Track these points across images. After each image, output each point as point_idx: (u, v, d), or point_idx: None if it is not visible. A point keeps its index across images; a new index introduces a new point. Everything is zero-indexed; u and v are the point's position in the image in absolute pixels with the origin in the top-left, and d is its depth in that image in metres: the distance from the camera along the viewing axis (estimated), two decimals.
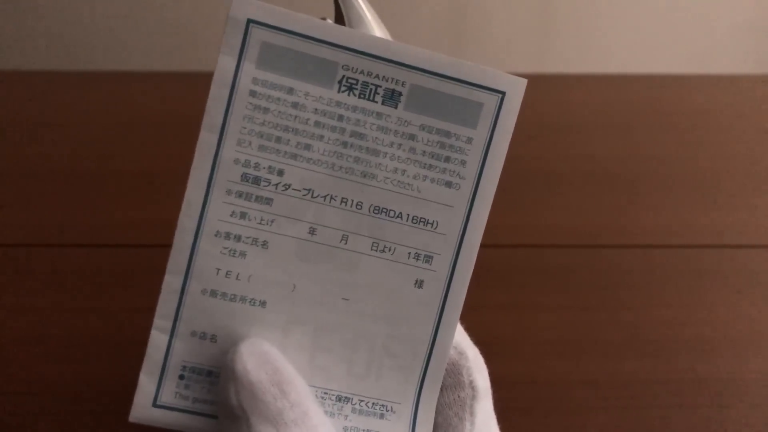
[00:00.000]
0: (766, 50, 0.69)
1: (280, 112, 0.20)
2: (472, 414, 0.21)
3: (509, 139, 0.21)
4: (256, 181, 0.20)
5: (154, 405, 0.20)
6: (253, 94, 0.19)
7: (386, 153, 0.20)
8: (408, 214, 0.21)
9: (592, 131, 0.49)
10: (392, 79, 0.20)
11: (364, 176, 0.20)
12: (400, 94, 0.20)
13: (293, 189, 0.20)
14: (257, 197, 0.20)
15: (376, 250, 0.21)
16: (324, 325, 0.21)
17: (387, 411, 0.21)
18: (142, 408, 0.20)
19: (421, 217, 0.21)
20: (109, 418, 0.30)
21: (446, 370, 0.21)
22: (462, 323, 0.23)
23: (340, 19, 0.25)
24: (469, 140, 0.20)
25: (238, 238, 0.20)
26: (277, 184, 0.20)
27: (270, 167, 0.20)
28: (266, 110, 0.20)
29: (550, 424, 0.32)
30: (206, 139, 0.20)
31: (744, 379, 0.33)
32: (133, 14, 0.62)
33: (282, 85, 0.20)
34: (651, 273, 0.38)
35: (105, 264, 0.37)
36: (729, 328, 0.36)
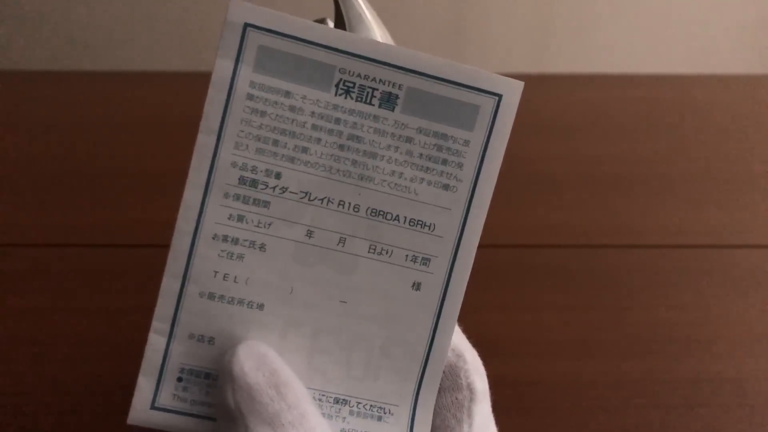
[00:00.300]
0: (766, 50, 0.69)
1: (277, 115, 0.20)
2: (470, 416, 0.21)
3: (506, 142, 0.21)
4: (254, 184, 0.20)
5: (153, 407, 0.20)
6: (250, 97, 0.19)
7: (383, 156, 0.20)
8: (405, 217, 0.21)
9: (591, 131, 0.49)
10: (389, 82, 0.20)
11: (362, 179, 0.20)
12: (397, 97, 0.20)
13: (290, 192, 0.20)
14: (255, 200, 0.20)
15: (374, 253, 0.21)
16: (322, 328, 0.21)
17: (385, 413, 0.21)
18: (140, 410, 0.20)
19: (419, 220, 0.21)
20: (109, 418, 0.30)
21: (444, 372, 0.22)
22: (461, 324, 0.23)
23: (339, 19, 0.25)
24: (466, 143, 0.20)
25: (235, 241, 0.20)
26: (274, 187, 0.20)
27: (267, 170, 0.20)
28: (263, 113, 0.20)
29: (550, 424, 0.32)
30: (204, 142, 0.20)
31: (744, 379, 0.33)
32: (133, 14, 0.62)
33: (279, 89, 0.20)
34: (651, 273, 0.38)
35: (105, 264, 0.37)
36: (729, 328, 0.36)
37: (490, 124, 0.20)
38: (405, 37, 0.34)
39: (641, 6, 0.66)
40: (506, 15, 0.65)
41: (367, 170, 0.20)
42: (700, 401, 0.32)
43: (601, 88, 0.53)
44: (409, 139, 0.20)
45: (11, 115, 0.48)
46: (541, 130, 0.48)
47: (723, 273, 0.39)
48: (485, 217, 0.21)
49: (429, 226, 0.21)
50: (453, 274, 0.21)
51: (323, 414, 0.21)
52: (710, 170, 0.46)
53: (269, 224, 0.20)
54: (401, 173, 0.20)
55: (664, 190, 0.44)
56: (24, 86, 0.51)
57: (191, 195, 0.20)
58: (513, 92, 0.20)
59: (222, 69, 0.19)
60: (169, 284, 0.20)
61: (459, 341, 0.22)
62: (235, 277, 0.20)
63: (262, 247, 0.20)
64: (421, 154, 0.20)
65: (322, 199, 0.20)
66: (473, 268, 0.21)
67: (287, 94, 0.20)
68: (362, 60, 0.20)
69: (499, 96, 0.20)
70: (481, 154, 0.20)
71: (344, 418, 0.21)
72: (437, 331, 0.21)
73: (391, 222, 0.21)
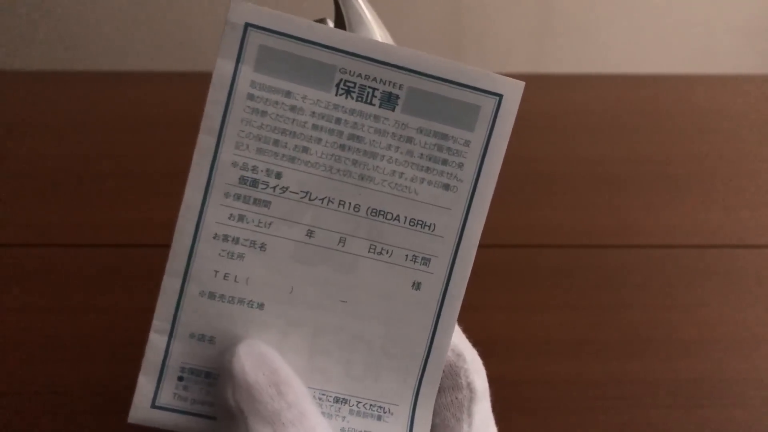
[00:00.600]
0: (766, 50, 0.69)
1: (277, 115, 0.20)
2: (469, 415, 0.21)
3: (507, 142, 0.21)
4: (254, 183, 0.20)
5: (153, 406, 0.20)
6: (251, 97, 0.20)
7: (384, 156, 0.20)
8: (405, 217, 0.21)
9: (592, 131, 0.49)
10: (389, 82, 0.20)
11: (362, 179, 0.20)
12: (398, 97, 0.20)
13: (291, 192, 0.20)
14: (255, 200, 0.20)
15: (374, 253, 0.21)
16: (322, 327, 0.21)
17: (384, 412, 0.21)
18: (140, 409, 0.20)
19: (419, 220, 0.21)
20: (109, 418, 0.30)
21: (444, 371, 0.22)
22: (461, 323, 0.23)
23: (340, 19, 0.25)
24: (467, 143, 0.20)
25: (236, 241, 0.20)
26: (275, 187, 0.20)
27: (268, 170, 0.20)
28: (264, 113, 0.20)
29: (550, 424, 0.32)
30: (204, 142, 0.20)
31: (744, 379, 0.33)
32: (133, 14, 0.62)
33: (280, 89, 0.20)
34: (651, 273, 0.38)
35: (105, 264, 0.37)
36: (729, 328, 0.36)
37: (490, 124, 0.20)
38: (405, 37, 0.34)
39: (641, 6, 0.66)
40: (506, 15, 0.65)
41: (368, 170, 0.20)
42: (700, 401, 0.33)
43: (601, 88, 0.53)
44: (409, 139, 0.20)
45: (11, 115, 0.48)
46: (541, 130, 0.48)
47: (723, 273, 0.39)
48: (485, 217, 0.21)
49: (429, 226, 0.21)
50: (453, 274, 0.21)
51: (323, 413, 0.21)
52: (710, 170, 0.46)
53: (270, 224, 0.20)
54: (402, 173, 0.20)
55: (664, 190, 0.44)
56: (24, 86, 0.51)
57: (192, 194, 0.20)
58: (514, 92, 0.20)
59: (223, 69, 0.19)
60: (169, 283, 0.20)
61: (459, 341, 0.22)
62: (236, 277, 0.20)
63: (263, 246, 0.20)
64: (421, 154, 0.20)
65: (323, 199, 0.20)
66: (473, 268, 0.21)
67: (288, 93, 0.20)
68: (363, 60, 0.20)
69: (500, 96, 0.20)
70: (481, 154, 0.21)
71: (344, 417, 0.21)
72: (437, 331, 0.21)
73: (391, 222, 0.21)
